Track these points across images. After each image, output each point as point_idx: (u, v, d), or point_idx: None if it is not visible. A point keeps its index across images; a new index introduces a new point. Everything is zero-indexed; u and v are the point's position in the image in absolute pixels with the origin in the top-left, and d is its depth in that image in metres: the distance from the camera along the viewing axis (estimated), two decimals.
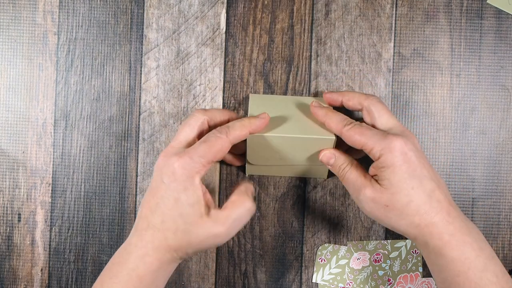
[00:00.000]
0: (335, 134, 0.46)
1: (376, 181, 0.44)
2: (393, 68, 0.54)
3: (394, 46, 0.54)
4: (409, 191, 0.42)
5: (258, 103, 0.50)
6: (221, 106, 0.55)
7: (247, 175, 0.54)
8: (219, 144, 0.43)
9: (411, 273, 0.55)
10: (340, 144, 0.48)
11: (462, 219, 0.43)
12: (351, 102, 0.48)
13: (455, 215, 0.42)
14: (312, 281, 0.55)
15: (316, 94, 0.54)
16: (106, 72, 0.55)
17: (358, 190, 0.44)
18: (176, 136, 0.45)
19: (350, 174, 0.45)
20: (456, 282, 0.41)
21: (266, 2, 0.54)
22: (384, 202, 0.43)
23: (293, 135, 0.46)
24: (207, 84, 0.55)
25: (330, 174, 0.54)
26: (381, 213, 0.43)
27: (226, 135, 0.44)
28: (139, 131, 0.55)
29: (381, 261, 0.55)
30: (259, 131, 0.45)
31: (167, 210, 0.42)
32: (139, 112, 0.55)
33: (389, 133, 0.44)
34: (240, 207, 0.44)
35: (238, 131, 0.44)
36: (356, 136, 0.44)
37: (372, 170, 0.45)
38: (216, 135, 0.43)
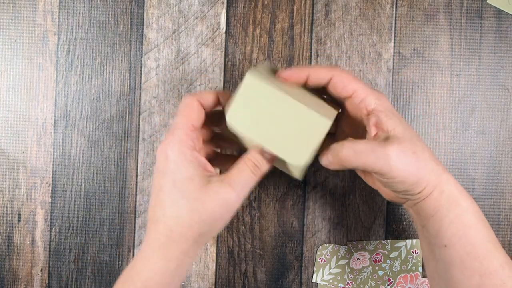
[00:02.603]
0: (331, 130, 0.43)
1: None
2: (393, 68, 0.54)
3: (394, 46, 0.54)
4: (417, 137, 0.41)
5: (251, 95, 0.42)
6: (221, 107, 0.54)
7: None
8: (189, 106, 0.41)
9: (411, 273, 0.55)
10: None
11: None
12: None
13: None
14: (312, 281, 0.55)
15: None
16: (106, 72, 0.55)
17: (378, 150, 0.39)
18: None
19: (357, 145, 0.40)
20: (468, 235, 0.40)
21: (266, 2, 0.54)
22: (409, 150, 0.40)
23: (293, 99, 0.41)
24: (207, 84, 0.55)
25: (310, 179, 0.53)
26: (410, 164, 0.40)
27: (194, 95, 0.42)
28: (139, 131, 0.55)
29: (381, 261, 0.55)
30: (225, 100, 0.43)
31: (166, 197, 0.40)
32: (139, 112, 0.55)
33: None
34: (245, 170, 0.41)
35: (206, 93, 0.43)
36: (350, 78, 0.42)
37: (372, 128, 0.42)
38: (184, 100, 0.42)
